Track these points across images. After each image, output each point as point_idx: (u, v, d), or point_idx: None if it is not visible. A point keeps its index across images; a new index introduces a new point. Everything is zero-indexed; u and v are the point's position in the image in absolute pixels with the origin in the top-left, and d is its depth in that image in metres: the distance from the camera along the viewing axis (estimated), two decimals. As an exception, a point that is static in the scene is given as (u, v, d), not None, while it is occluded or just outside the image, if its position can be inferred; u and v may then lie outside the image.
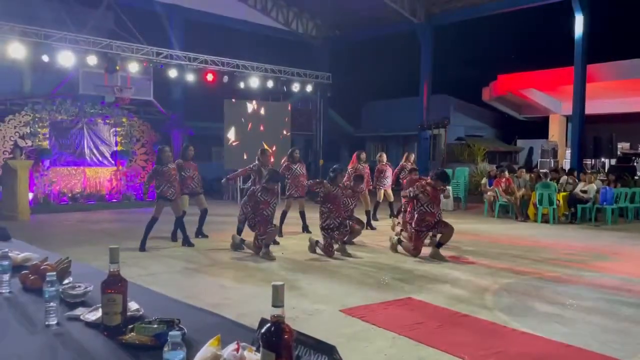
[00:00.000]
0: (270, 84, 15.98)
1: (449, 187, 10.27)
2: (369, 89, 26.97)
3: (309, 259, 7.43)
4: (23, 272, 2.41)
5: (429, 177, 7.88)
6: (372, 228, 10.27)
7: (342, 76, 19.85)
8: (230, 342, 1.44)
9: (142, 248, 7.75)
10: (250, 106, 16.77)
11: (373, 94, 27.21)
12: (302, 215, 9.58)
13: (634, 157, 16.97)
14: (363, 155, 10.56)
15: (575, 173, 13.31)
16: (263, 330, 1.31)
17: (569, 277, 6.48)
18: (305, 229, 9.57)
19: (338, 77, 18.53)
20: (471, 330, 4.46)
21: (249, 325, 1.85)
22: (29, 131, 12.93)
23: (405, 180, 10.73)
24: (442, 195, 8.03)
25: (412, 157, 11.34)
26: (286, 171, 9.26)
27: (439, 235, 7.65)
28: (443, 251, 7.60)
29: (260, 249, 7.42)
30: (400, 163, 11.31)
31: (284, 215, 9.27)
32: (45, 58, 12.21)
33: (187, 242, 8.21)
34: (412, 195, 7.61)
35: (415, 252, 7.60)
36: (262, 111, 16.91)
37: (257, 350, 1.40)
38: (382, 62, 25.96)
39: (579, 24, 15.42)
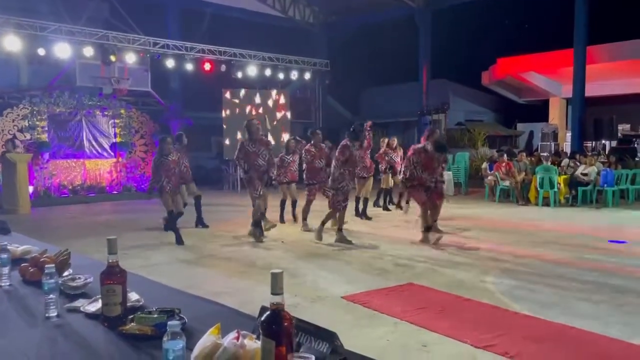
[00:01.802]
0: (268, 72, 15.90)
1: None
2: (367, 75, 26.78)
3: (310, 246, 7.43)
4: (23, 264, 2.41)
5: (426, 144, 7.43)
6: (366, 218, 9.94)
7: (340, 63, 19.73)
8: (231, 331, 1.44)
9: (179, 242, 7.53)
10: (249, 95, 16.70)
11: (372, 80, 27.02)
12: (294, 204, 9.45)
13: (634, 139, 16.91)
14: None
15: (578, 156, 13.28)
16: (263, 318, 1.30)
17: (570, 260, 6.49)
18: (294, 216, 9.46)
19: (336, 64, 18.43)
20: (473, 314, 4.47)
21: (250, 313, 1.84)
22: (27, 124, 12.90)
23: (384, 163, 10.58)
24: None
25: (395, 142, 10.87)
26: (279, 162, 9.26)
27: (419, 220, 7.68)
28: (444, 236, 7.65)
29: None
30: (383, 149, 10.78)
31: (282, 204, 9.40)
32: (41, 52, 12.14)
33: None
34: (407, 164, 7.47)
35: (423, 207, 7.46)
36: (261, 100, 16.84)
37: (258, 338, 1.39)
38: (380, 48, 25.74)
39: (578, 5, 15.28)
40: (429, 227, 7.47)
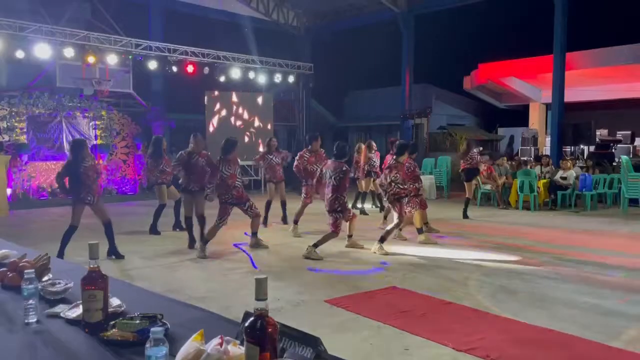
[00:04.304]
0: (251, 74, 15.85)
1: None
2: (351, 78, 26.89)
3: (293, 250, 7.41)
4: (1, 269, 2.37)
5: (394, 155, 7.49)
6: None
7: (324, 66, 19.76)
8: (214, 337, 1.43)
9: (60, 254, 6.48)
10: (232, 98, 16.63)
11: (355, 83, 27.16)
12: (283, 205, 9.51)
13: (612, 144, 17.17)
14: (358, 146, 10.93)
15: (550, 160, 13.42)
16: (247, 324, 1.30)
17: (550, 263, 6.58)
18: (284, 219, 9.50)
19: (320, 67, 18.44)
20: (455, 318, 4.50)
21: (234, 318, 1.84)
22: (5, 126, 12.67)
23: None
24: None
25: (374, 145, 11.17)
26: (261, 160, 9.35)
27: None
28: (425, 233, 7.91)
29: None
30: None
31: (268, 204, 9.30)
32: (19, 54, 11.91)
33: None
34: (387, 181, 7.27)
35: (401, 219, 7.29)
36: (244, 103, 16.78)
37: (241, 344, 1.38)
38: (364, 52, 25.88)
39: (558, 12, 15.54)
40: (384, 238, 7.17)
